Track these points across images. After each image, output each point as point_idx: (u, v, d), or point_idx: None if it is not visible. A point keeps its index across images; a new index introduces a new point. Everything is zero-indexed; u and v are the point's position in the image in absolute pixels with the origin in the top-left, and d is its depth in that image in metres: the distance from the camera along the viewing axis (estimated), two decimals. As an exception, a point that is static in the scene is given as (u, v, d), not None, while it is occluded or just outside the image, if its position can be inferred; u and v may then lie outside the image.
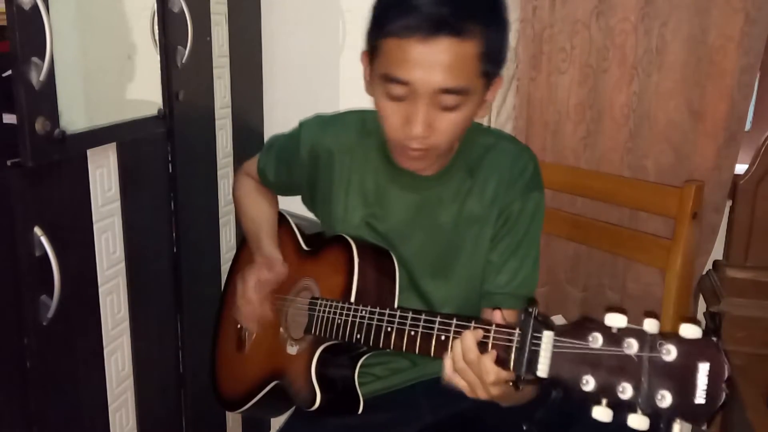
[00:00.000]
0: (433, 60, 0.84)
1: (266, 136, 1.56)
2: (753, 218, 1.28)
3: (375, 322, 0.91)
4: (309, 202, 1.17)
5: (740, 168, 1.29)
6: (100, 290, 0.99)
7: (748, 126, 1.28)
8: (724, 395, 0.60)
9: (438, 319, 0.83)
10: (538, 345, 0.71)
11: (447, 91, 0.86)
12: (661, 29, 1.24)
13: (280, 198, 1.27)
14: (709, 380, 0.60)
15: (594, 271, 1.41)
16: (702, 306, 1.35)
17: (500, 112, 1.39)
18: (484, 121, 1.39)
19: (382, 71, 0.89)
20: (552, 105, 1.36)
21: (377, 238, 1.07)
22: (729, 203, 1.32)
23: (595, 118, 1.33)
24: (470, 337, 0.78)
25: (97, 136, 0.95)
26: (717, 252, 1.35)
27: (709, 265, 1.37)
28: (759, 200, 1.27)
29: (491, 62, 0.89)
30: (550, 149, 1.38)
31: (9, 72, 0.78)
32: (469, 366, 0.78)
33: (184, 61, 1.14)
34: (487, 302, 1.02)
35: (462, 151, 1.03)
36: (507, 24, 0.92)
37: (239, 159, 1.39)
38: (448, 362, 0.81)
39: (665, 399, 0.62)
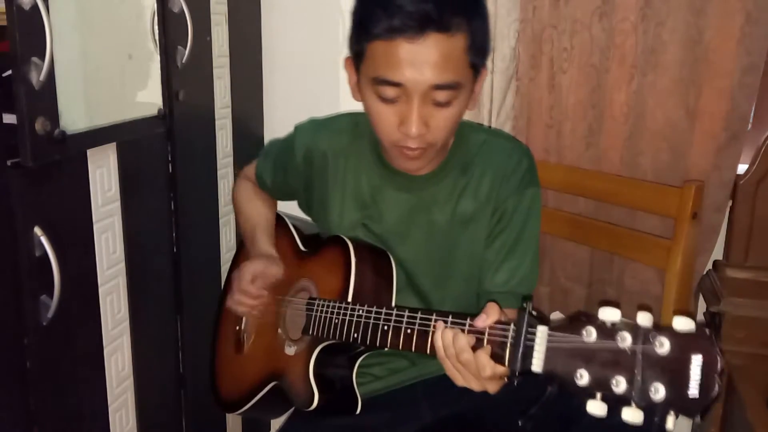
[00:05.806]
0: (422, 58, 0.84)
1: (266, 136, 1.56)
2: (753, 218, 1.28)
3: (372, 321, 0.91)
4: (305, 207, 1.18)
5: (740, 168, 1.29)
6: (100, 290, 0.99)
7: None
8: (717, 387, 0.60)
9: (434, 316, 0.83)
10: (533, 340, 0.70)
11: (439, 87, 0.86)
12: (658, 29, 1.24)
13: (278, 202, 1.27)
14: (702, 373, 0.60)
15: (594, 268, 1.41)
16: (702, 306, 1.35)
17: (500, 112, 1.39)
18: (484, 122, 1.39)
19: (371, 75, 0.89)
20: (552, 105, 1.36)
21: (374, 239, 1.07)
22: (729, 203, 1.32)
23: (597, 117, 1.33)
24: (463, 339, 0.78)
25: (97, 136, 0.95)
26: (717, 252, 1.35)
27: (709, 265, 1.37)
28: (759, 200, 1.27)
29: (478, 54, 0.89)
30: (551, 149, 1.38)
31: (9, 72, 0.78)
32: (465, 366, 0.78)
33: (184, 61, 1.14)
34: (486, 301, 1.01)
35: (455, 150, 1.03)
36: (487, 14, 0.93)
37: (239, 159, 1.39)
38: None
39: (659, 392, 0.61)
